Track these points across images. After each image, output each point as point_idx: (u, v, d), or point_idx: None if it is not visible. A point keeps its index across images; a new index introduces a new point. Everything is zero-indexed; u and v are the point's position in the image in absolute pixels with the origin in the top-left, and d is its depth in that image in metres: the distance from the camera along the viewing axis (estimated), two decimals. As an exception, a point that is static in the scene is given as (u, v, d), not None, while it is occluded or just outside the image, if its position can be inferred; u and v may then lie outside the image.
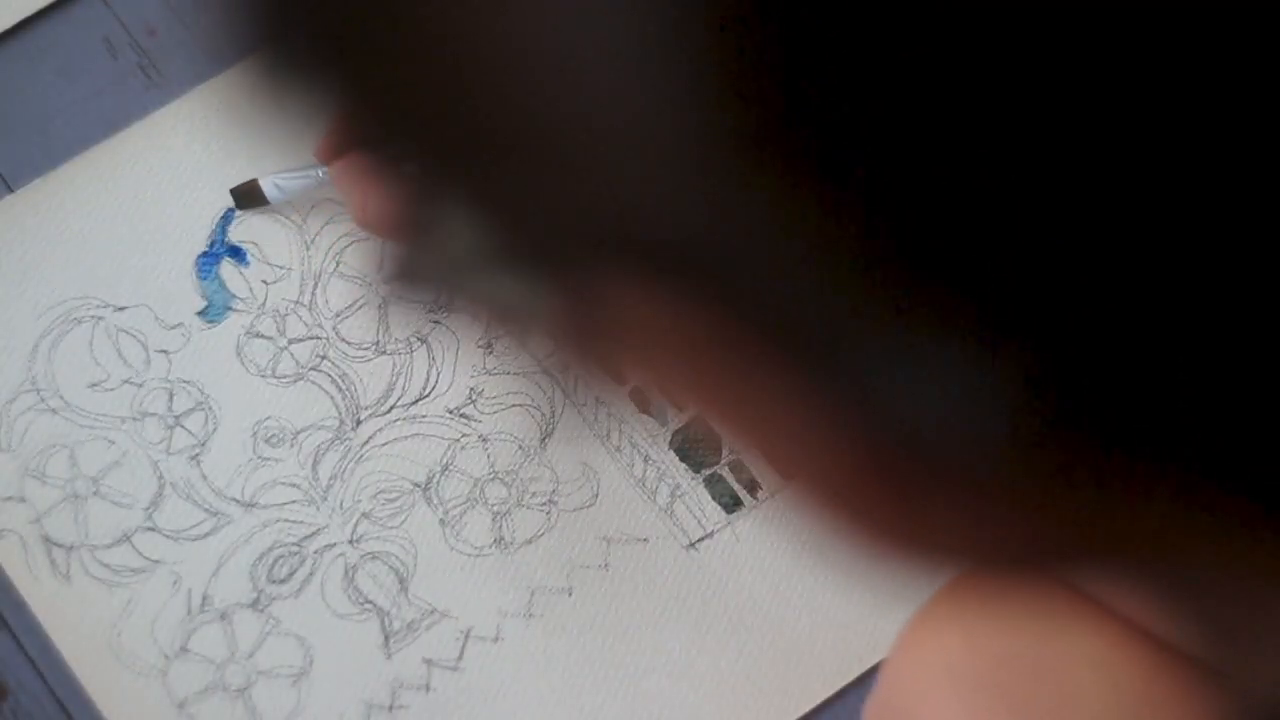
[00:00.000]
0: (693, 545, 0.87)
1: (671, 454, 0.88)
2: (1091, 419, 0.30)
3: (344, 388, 0.89)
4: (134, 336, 0.89)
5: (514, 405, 0.89)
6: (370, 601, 0.85)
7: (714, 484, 0.88)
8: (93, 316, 0.89)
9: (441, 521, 0.87)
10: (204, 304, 0.90)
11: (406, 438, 0.88)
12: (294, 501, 0.87)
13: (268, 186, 0.90)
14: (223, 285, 0.90)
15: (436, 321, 0.90)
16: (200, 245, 0.91)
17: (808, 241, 0.29)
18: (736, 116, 0.28)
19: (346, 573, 0.86)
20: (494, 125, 0.29)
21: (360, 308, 0.90)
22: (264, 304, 0.90)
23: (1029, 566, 0.37)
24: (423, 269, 0.33)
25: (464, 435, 0.88)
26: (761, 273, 0.30)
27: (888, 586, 0.36)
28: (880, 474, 0.33)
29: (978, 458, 0.31)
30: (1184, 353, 0.29)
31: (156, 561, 0.86)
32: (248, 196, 0.91)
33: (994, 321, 0.29)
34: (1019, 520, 0.33)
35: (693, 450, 0.88)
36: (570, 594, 0.86)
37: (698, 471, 0.88)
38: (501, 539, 0.86)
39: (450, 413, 0.88)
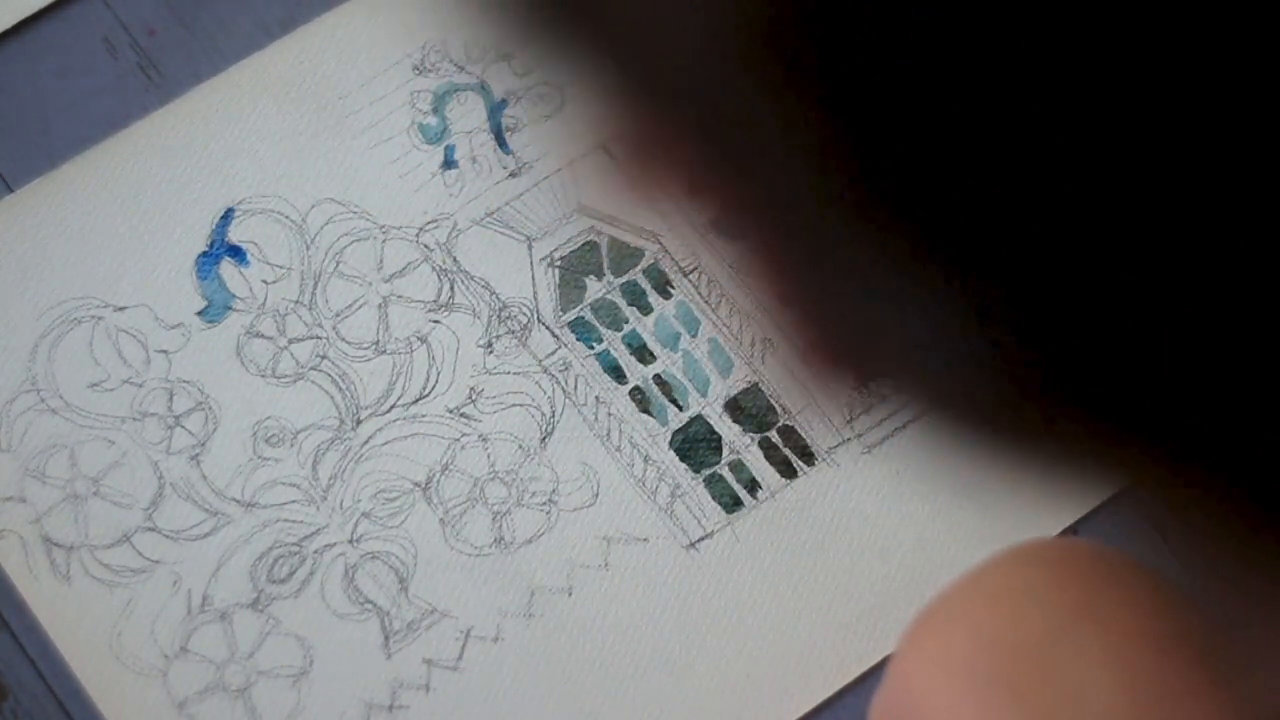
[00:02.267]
0: (693, 545, 0.87)
1: (671, 454, 0.88)
2: (1067, 377, 0.31)
3: (344, 388, 0.89)
4: (134, 336, 0.89)
5: (514, 405, 0.89)
6: (370, 601, 0.85)
7: (714, 484, 0.88)
8: (93, 316, 0.89)
9: (441, 521, 0.87)
10: (204, 304, 0.90)
11: (406, 437, 0.88)
12: (294, 501, 0.87)
13: None
14: (223, 285, 0.90)
15: (436, 321, 0.90)
16: (200, 245, 0.91)
17: (802, 156, 0.30)
18: (753, 24, 0.29)
19: (346, 573, 0.86)
20: None
21: (360, 308, 0.90)
22: (264, 304, 0.90)
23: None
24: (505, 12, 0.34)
25: (464, 435, 0.88)
26: (763, 169, 0.31)
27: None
28: (834, 356, 0.34)
29: (965, 403, 0.32)
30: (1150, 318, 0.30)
31: (156, 561, 0.86)
32: None
33: (978, 276, 0.30)
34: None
35: (693, 450, 0.88)
36: (570, 594, 0.86)
37: (698, 471, 0.88)
38: (501, 539, 0.86)
39: (450, 412, 0.88)
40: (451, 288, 0.90)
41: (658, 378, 0.89)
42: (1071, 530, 0.87)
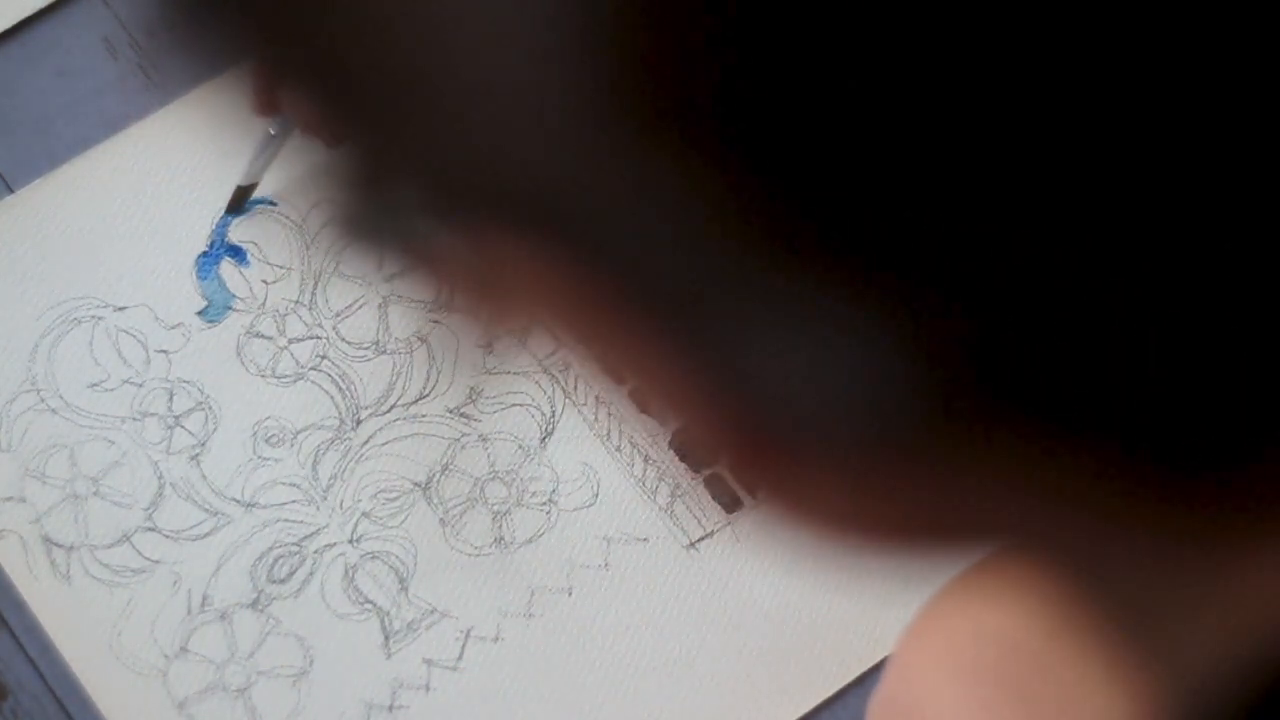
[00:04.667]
0: (693, 545, 0.87)
1: (671, 454, 0.88)
2: (1019, 383, 0.31)
3: (344, 387, 0.89)
4: (134, 336, 0.89)
5: (514, 405, 0.89)
6: (370, 601, 0.85)
7: (714, 484, 0.88)
8: (93, 316, 0.89)
9: (441, 521, 0.87)
10: (204, 304, 0.90)
11: (406, 437, 0.88)
12: (294, 501, 0.87)
13: (247, 178, 0.90)
14: (223, 285, 0.90)
15: (436, 321, 0.90)
16: (200, 245, 0.91)
17: (682, 205, 0.29)
18: (611, 76, 0.28)
19: (346, 573, 0.86)
20: (397, 88, 0.30)
21: (360, 308, 0.90)
22: (264, 304, 0.90)
23: (922, 538, 0.37)
24: (359, 213, 0.34)
25: (464, 435, 0.88)
26: (627, 233, 0.30)
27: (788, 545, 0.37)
28: (750, 438, 0.33)
29: (867, 425, 0.32)
30: (1100, 318, 0.30)
31: (156, 561, 0.86)
32: (238, 200, 0.91)
33: (924, 288, 0.29)
34: (908, 490, 0.34)
35: (693, 450, 0.88)
36: (570, 594, 0.86)
37: (698, 471, 0.88)
38: (501, 539, 0.86)
39: (450, 412, 0.88)
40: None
41: (658, 378, 0.89)
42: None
